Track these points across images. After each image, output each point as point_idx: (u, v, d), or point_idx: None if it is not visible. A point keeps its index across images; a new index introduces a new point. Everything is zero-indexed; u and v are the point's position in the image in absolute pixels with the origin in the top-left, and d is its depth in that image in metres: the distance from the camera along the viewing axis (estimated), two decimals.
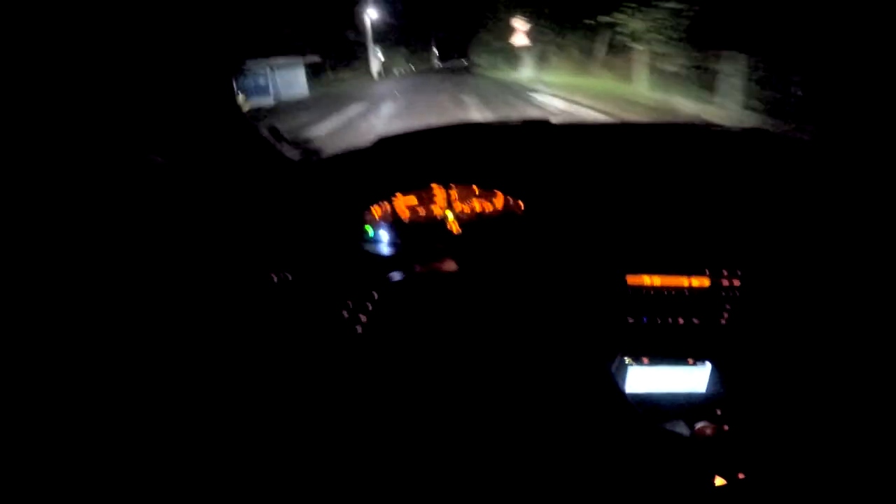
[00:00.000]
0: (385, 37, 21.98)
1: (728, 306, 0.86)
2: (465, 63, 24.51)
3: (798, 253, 0.84)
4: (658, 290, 0.86)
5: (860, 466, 0.80)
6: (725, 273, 0.84)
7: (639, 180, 0.90)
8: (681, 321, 0.87)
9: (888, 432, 0.80)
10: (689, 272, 0.85)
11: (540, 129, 1.02)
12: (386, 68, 21.35)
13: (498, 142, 1.02)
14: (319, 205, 0.94)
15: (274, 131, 0.99)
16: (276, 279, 0.91)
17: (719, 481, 0.85)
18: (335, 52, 15.58)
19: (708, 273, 0.85)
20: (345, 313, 0.83)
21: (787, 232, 0.84)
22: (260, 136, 0.96)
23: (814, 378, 0.86)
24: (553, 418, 0.79)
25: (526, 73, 12.39)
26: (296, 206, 0.95)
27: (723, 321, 0.86)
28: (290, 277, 0.91)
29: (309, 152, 0.98)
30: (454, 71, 20.83)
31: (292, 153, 0.99)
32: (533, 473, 0.68)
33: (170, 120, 0.85)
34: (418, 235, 0.96)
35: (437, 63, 29.85)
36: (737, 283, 0.85)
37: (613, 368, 0.89)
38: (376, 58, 19.53)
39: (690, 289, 0.85)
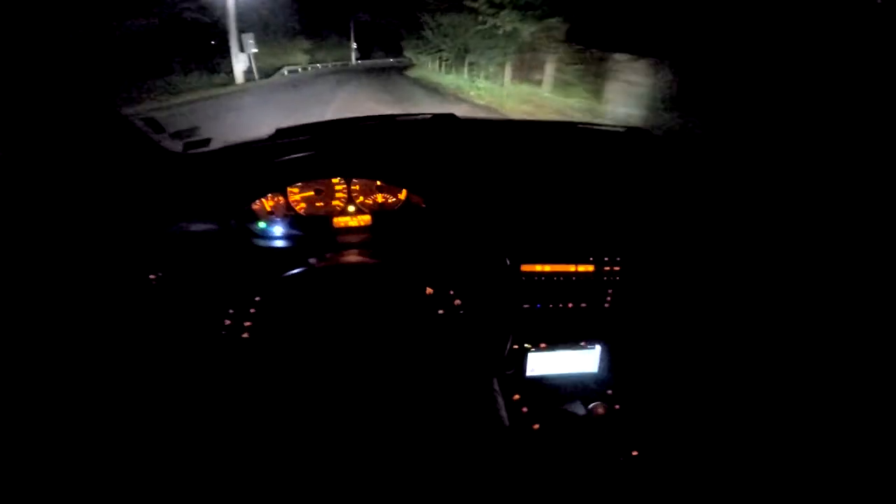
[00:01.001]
0: (273, 21, 15.70)
1: (610, 290, 0.94)
2: (394, 60, 21.51)
3: (670, 240, 0.94)
4: (549, 277, 0.92)
5: (741, 438, 0.93)
6: (607, 260, 0.92)
7: (531, 174, 0.96)
8: (570, 305, 0.94)
9: (759, 401, 0.94)
10: (576, 260, 0.92)
11: (446, 124, 1.05)
12: (263, 68, 13.64)
13: (404, 135, 1.03)
14: (206, 198, 0.88)
15: (151, 122, 0.92)
16: (153, 279, 0.84)
17: (618, 458, 0.93)
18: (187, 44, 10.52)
19: (592, 260, 0.92)
20: (230, 310, 0.78)
21: (660, 222, 0.95)
22: (134, 127, 0.88)
23: (691, 355, 0.97)
24: (452, 406, 0.81)
25: (459, 78, 12.57)
26: (178, 201, 0.88)
27: (607, 304, 0.94)
28: (168, 276, 0.84)
29: (194, 143, 0.91)
30: (377, 71, 17.66)
31: (174, 145, 0.92)
32: (430, 457, 0.70)
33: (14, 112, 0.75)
34: (316, 229, 0.93)
35: (354, 59, 23.90)
36: (617, 268, 0.93)
37: (512, 353, 0.93)
38: (243, 53, 12.01)
39: (577, 274, 0.92)
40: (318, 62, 19.70)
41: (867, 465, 0.85)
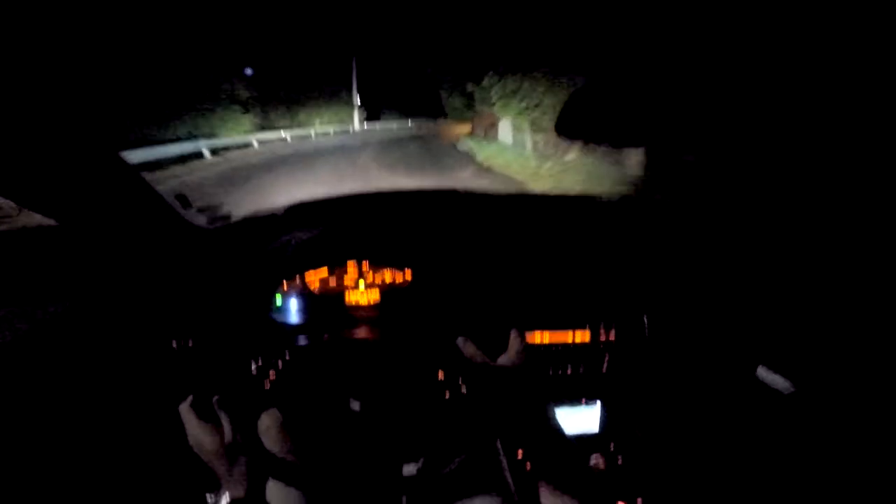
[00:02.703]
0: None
1: (607, 355, 0.98)
2: (414, 125, 18.57)
3: (664, 302, 0.99)
4: (547, 346, 0.96)
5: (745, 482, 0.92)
6: (602, 327, 0.97)
7: (528, 248, 1.03)
8: (569, 371, 0.98)
9: (758, 448, 0.94)
10: (573, 328, 0.97)
11: (448, 199, 1.14)
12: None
13: (409, 214, 1.12)
14: (227, 273, 0.96)
15: (181, 198, 1.02)
16: (175, 346, 0.91)
17: None
18: None
19: (588, 328, 0.97)
20: (252, 371, 0.84)
21: (652, 285, 1.01)
22: (164, 202, 0.99)
23: (693, 407, 0.99)
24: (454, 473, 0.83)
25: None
26: (202, 273, 0.96)
27: (604, 369, 0.98)
28: (192, 343, 0.91)
29: (217, 219, 1.01)
30: (403, 152, 11.22)
31: (199, 219, 1.02)
32: None
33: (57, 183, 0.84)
34: (328, 306, 1.00)
35: (357, 122, 19.06)
36: (612, 336, 0.98)
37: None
38: None
39: (574, 343, 0.97)
40: (283, 130, 13.49)
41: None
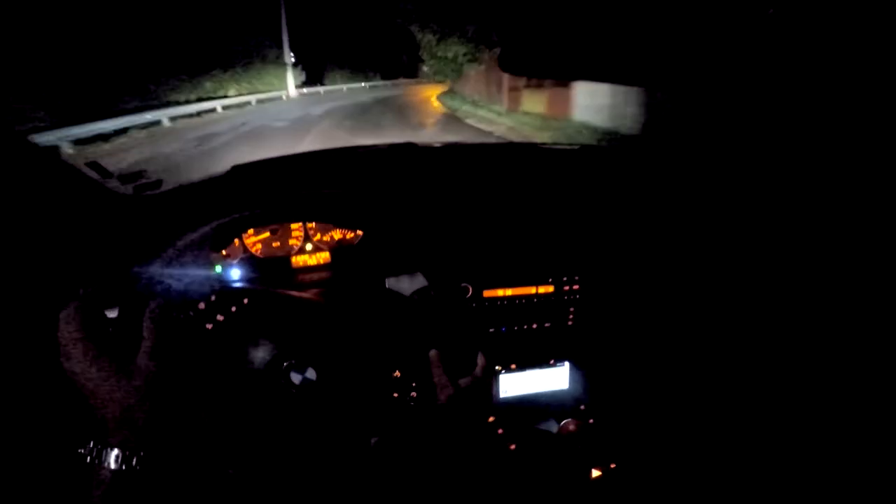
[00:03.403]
0: None
1: (572, 309, 1.00)
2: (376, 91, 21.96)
3: (627, 254, 1.02)
4: (510, 300, 0.97)
5: (714, 446, 0.98)
6: (566, 279, 0.98)
7: (488, 198, 1.00)
8: (535, 326, 0.99)
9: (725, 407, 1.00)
10: (536, 282, 0.98)
11: (405, 153, 1.08)
12: None
13: (361, 170, 1.05)
14: (156, 242, 0.87)
15: (95, 166, 0.90)
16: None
17: (595, 473, 0.97)
18: None
19: (551, 281, 0.97)
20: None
21: (615, 237, 1.03)
22: (77, 172, 0.87)
23: (658, 366, 1.03)
24: (425, 434, 0.83)
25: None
26: (136, 245, 0.87)
27: (570, 322, 1.00)
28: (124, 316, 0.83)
29: (145, 186, 0.90)
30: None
31: (122, 188, 0.91)
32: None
33: None
34: (273, 270, 0.94)
35: (292, 88, 20.27)
36: (576, 287, 0.99)
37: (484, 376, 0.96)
38: None
39: (538, 296, 0.98)
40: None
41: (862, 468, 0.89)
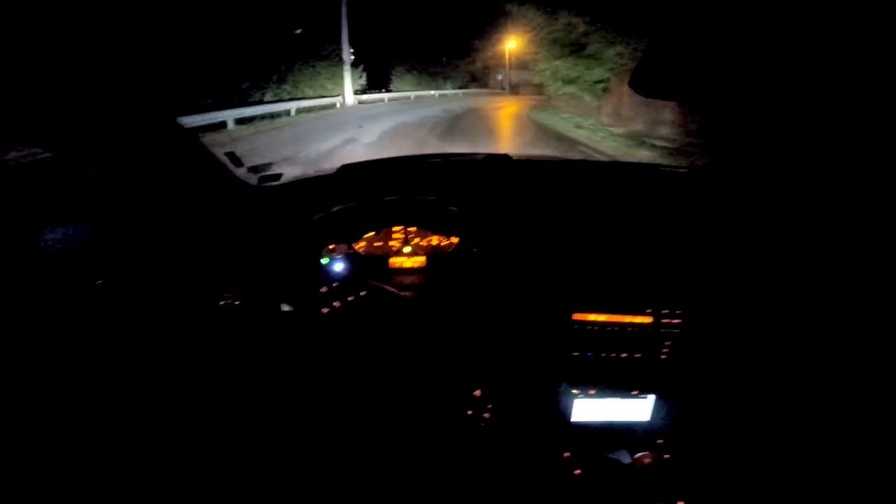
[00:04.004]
0: None
1: (668, 342, 1.31)
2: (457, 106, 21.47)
3: (732, 293, 1.31)
4: (602, 326, 1.29)
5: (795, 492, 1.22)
6: (666, 312, 1.29)
7: (587, 217, 1.37)
8: (624, 355, 1.29)
9: (823, 459, 1.23)
10: (633, 311, 1.30)
11: (500, 165, 1.49)
12: None
13: (457, 178, 1.47)
14: (275, 231, 1.32)
15: (231, 156, 1.40)
16: (222, 304, 1.27)
17: None
18: None
19: (650, 312, 1.29)
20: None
21: (722, 271, 1.33)
22: (215, 160, 1.36)
23: (749, 407, 1.30)
24: (498, 443, 1.16)
25: None
26: (251, 231, 1.33)
27: (663, 356, 1.30)
28: (238, 302, 1.27)
29: (268, 177, 1.38)
30: None
31: (250, 178, 1.39)
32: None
33: (111, 140, 1.21)
34: (373, 267, 1.35)
35: (349, 95, 20.82)
36: (677, 321, 1.30)
37: (559, 398, 1.27)
38: None
39: (633, 325, 1.29)
40: None
41: None
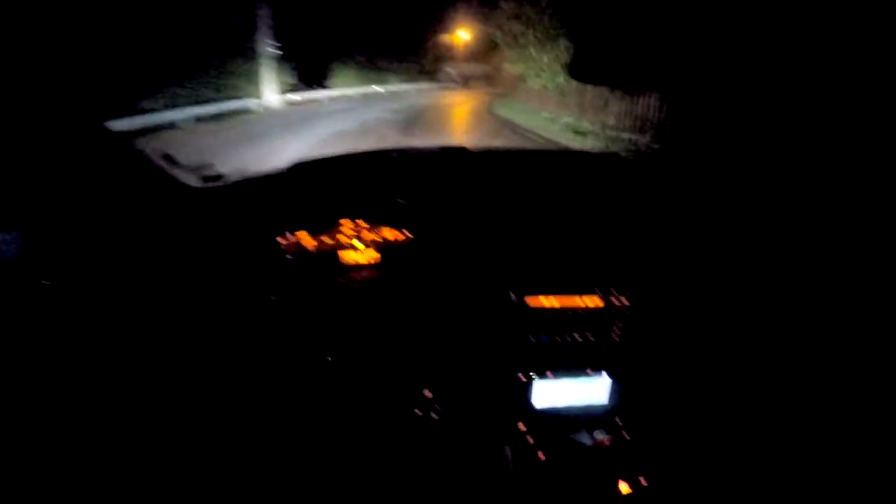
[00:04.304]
0: None
1: (619, 322, 1.57)
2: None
3: (678, 269, 1.58)
4: (556, 311, 1.54)
5: (751, 463, 1.48)
6: (615, 292, 1.55)
7: (538, 205, 1.62)
8: (578, 338, 1.55)
9: (772, 425, 1.50)
10: (584, 292, 1.55)
11: (457, 156, 1.74)
12: None
13: (412, 172, 1.71)
14: (220, 231, 1.53)
15: (167, 158, 1.60)
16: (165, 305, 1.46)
17: (624, 488, 1.48)
18: None
19: (600, 293, 1.55)
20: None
21: (667, 251, 1.60)
22: (151, 163, 1.56)
23: (701, 385, 1.56)
24: (455, 430, 1.39)
25: None
26: (194, 233, 1.52)
27: (615, 336, 1.56)
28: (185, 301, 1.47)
29: (212, 178, 1.59)
30: None
31: (191, 179, 1.59)
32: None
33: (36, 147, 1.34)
34: (324, 264, 1.57)
35: (268, 95, 19.31)
36: (626, 301, 1.55)
37: (519, 385, 1.52)
38: None
39: (585, 308, 1.55)
40: None
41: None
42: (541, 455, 1.51)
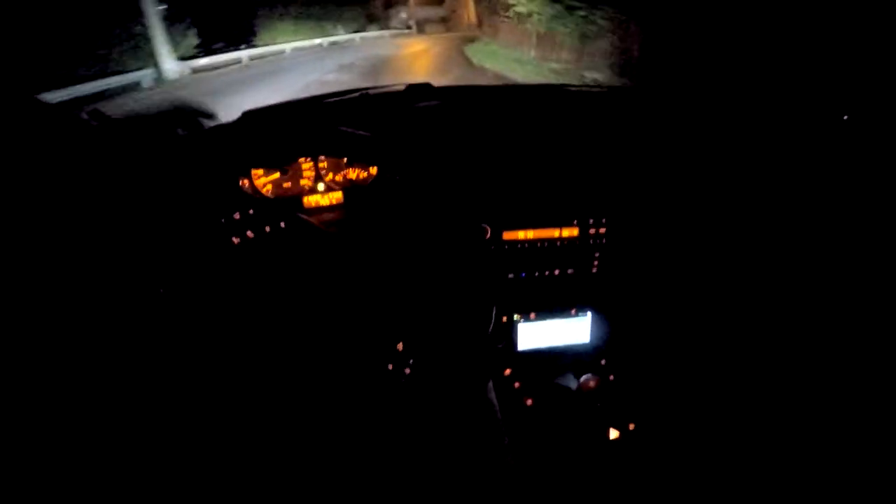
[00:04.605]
0: None
1: (597, 254, 1.78)
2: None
3: (656, 199, 1.79)
4: (532, 244, 1.75)
5: (737, 407, 1.71)
6: (591, 222, 1.76)
7: (508, 139, 1.81)
8: (557, 272, 1.77)
9: (755, 371, 1.73)
10: (560, 224, 1.75)
11: (421, 93, 1.92)
12: None
13: (376, 109, 1.86)
14: (177, 189, 1.68)
15: (95, 114, 1.72)
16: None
17: (613, 433, 1.70)
18: None
19: (576, 223, 1.76)
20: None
21: (645, 180, 1.80)
22: (80, 119, 1.67)
23: (684, 319, 1.79)
24: (438, 381, 1.58)
25: None
26: (152, 189, 1.67)
27: (594, 269, 1.78)
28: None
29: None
30: None
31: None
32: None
33: None
34: (285, 210, 1.73)
35: (168, 61, 16.54)
36: (602, 230, 1.76)
37: (501, 325, 1.72)
38: None
39: (561, 239, 1.75)
40: None
41: (863, 445, 1.61)
42: (528, 401, 1.71)
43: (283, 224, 1.51)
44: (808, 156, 1.80)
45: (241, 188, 1.72)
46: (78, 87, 14.09)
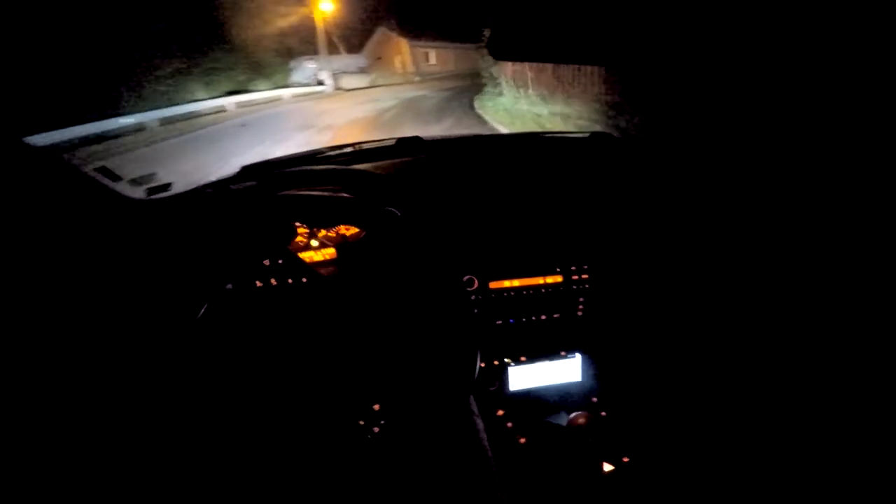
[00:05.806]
0: None
1: (581, 298, 1.93)
2: None
3: (637, 243, 1.94)
4: (518, 291, 1.88)
5: (729, 439, 1.86)
6: (574, 269, 1.91)
7: (495, 190, 1.93)
8: (543, 317, 1.90)
9: (743, 400, 1.89)
10: (544, 272, 1.90)
11: (411, 147, 2.03)
12: None
13: (368, 168, 1.96)
14: (177, 246, 1.71)
15: (104, 171, 1.77)
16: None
17: (607, 467, 1.82)
18: None
19: (559, 271, 1.90)
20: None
21: (625, 226, 1.95)
22: (86, 177, 1.72)
23: (671, 357, 1.95)
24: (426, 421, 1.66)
25: None
26: (139, 250, 1.70)
27: (580, 313, 1.92)
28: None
29: (157, 188, 1.78)
30: None
31: (134, 192, 1.77)
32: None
33: None
34: (282, 265, 1.80)
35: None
36: (585, 276, 1.92)
37: (492, 368, 1.83)
38: None
39: (546, 286, 1.90)
40: None
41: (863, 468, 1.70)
42: (521, 440, 1.82)
43: (304, 279, 1.59)
44: (785, 205, 1.94)
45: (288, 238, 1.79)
46: None
